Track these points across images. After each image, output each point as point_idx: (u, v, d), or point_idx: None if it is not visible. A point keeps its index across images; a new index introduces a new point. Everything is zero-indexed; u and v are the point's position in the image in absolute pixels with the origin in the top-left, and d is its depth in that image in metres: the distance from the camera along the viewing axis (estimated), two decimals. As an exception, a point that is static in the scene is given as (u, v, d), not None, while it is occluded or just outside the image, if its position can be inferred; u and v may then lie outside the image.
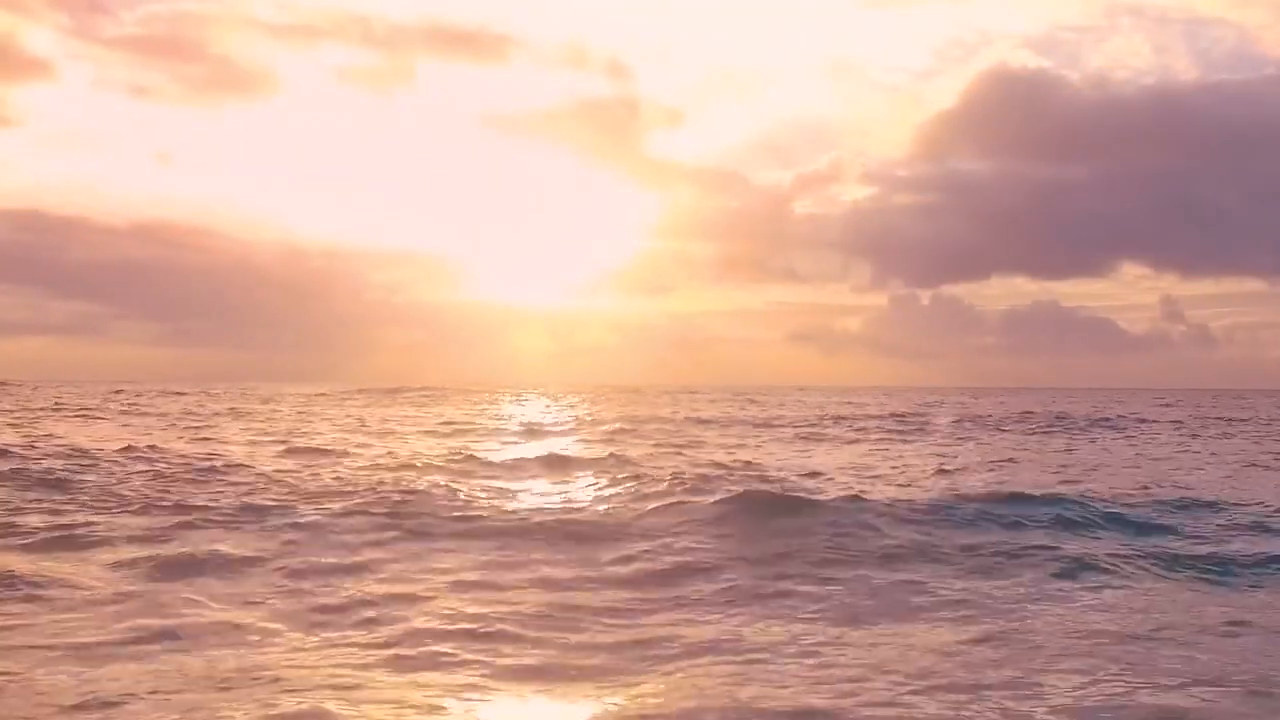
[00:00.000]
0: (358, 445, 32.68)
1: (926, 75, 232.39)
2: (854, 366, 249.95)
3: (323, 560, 13.52)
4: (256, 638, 9.76)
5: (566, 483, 22.93)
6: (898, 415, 58.41)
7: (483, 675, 8.71)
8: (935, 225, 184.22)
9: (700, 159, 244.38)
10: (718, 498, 17.89)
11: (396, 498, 18.64)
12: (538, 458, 27.80)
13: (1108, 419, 55.50)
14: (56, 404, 61.76)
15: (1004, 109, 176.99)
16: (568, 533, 15.63)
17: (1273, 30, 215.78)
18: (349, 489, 20.16)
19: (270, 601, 11.34)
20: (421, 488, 20.18)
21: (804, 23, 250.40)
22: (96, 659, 8.92)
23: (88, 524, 15.77)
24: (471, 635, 9.89)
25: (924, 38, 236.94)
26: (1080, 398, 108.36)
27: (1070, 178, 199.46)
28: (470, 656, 9.24)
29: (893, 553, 14.22)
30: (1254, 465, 30.07)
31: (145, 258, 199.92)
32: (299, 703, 7.79)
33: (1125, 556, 14.08)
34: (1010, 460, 30.56)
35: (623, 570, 13.24)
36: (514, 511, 17.62)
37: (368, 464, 25.97)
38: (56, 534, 14.99)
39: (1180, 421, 55.14)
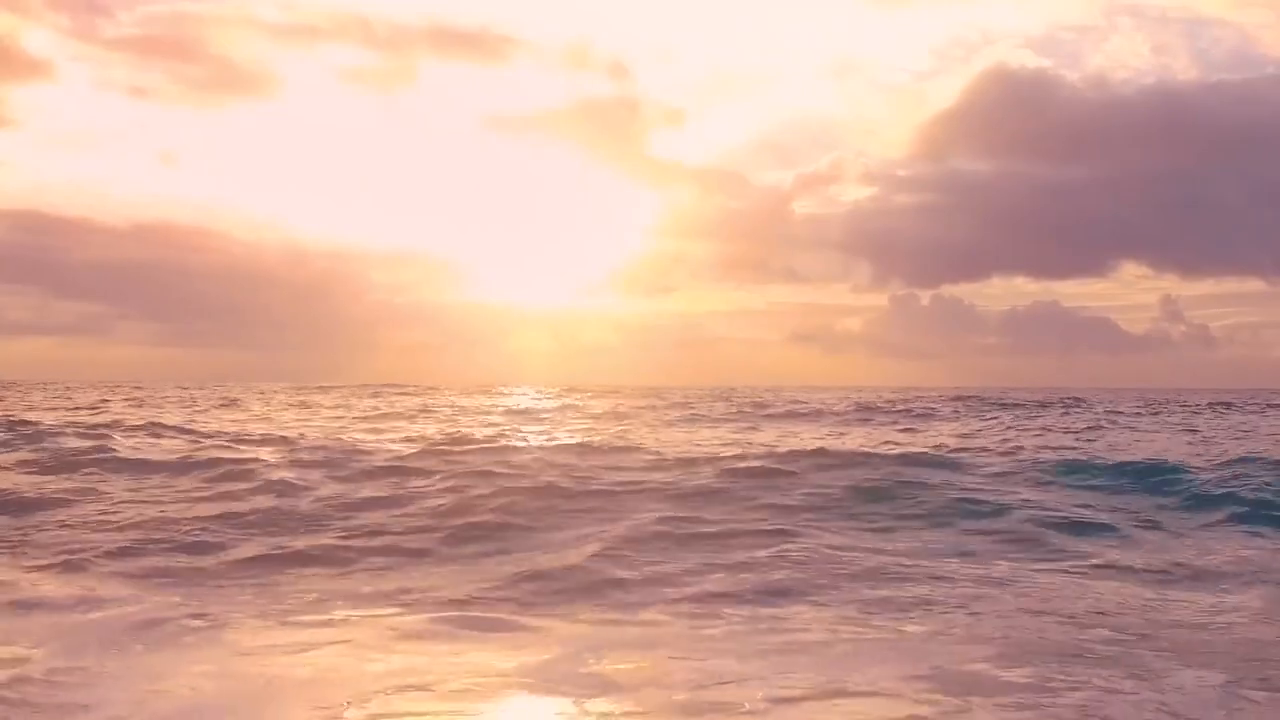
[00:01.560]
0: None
1: (927, 75, 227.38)
2: (855, 366, 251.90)
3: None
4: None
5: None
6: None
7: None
8: (936, 225, 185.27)
9: (701, 159, 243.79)
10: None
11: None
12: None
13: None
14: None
15: (1004, 109, 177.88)
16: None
17: (1273, 30, 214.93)
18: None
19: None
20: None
21: (805, 23, 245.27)
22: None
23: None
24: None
25: (924, 38, 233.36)
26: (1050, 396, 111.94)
27: (1070, 178, 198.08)
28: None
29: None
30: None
31: (147, 258, 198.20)
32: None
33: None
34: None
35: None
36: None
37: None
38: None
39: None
